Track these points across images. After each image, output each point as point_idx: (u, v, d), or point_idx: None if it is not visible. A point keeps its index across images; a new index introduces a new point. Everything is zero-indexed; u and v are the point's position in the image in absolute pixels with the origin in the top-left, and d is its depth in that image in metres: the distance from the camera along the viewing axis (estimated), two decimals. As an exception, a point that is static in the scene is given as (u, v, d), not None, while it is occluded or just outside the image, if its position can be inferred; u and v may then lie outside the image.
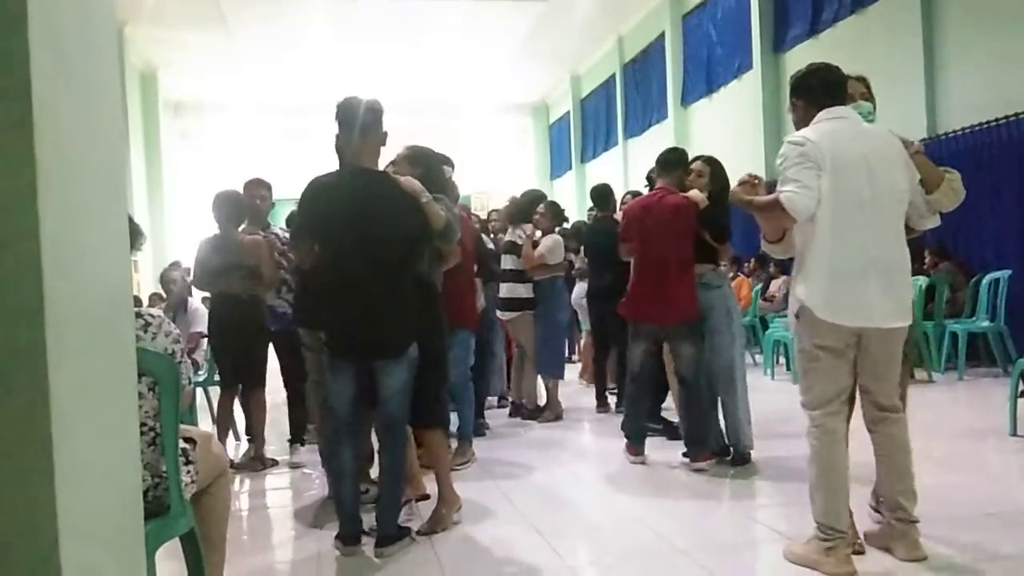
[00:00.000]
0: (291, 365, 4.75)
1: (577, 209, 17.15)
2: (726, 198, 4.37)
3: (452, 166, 4.32)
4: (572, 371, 8.27)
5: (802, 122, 2.86)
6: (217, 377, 5.92)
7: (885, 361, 2.72)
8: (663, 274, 4.25)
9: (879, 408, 2.76)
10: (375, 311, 3.06)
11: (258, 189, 4.92)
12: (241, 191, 4.86)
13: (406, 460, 3.37)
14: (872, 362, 2.71)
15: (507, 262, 5.92)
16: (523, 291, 5.91)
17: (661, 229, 4.27)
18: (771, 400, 6.10)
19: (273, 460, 4.85)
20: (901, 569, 2.68)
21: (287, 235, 4.69)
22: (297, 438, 4.89)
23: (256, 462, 4.75)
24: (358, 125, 3.11)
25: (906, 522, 2.73)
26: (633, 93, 15.33)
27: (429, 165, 3.51)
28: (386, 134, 3.19)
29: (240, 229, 4.77)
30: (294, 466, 4.75)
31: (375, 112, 3.16)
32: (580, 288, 7.01)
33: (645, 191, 5.08)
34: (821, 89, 2.83)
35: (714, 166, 4.39)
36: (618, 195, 6.46)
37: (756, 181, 2.90)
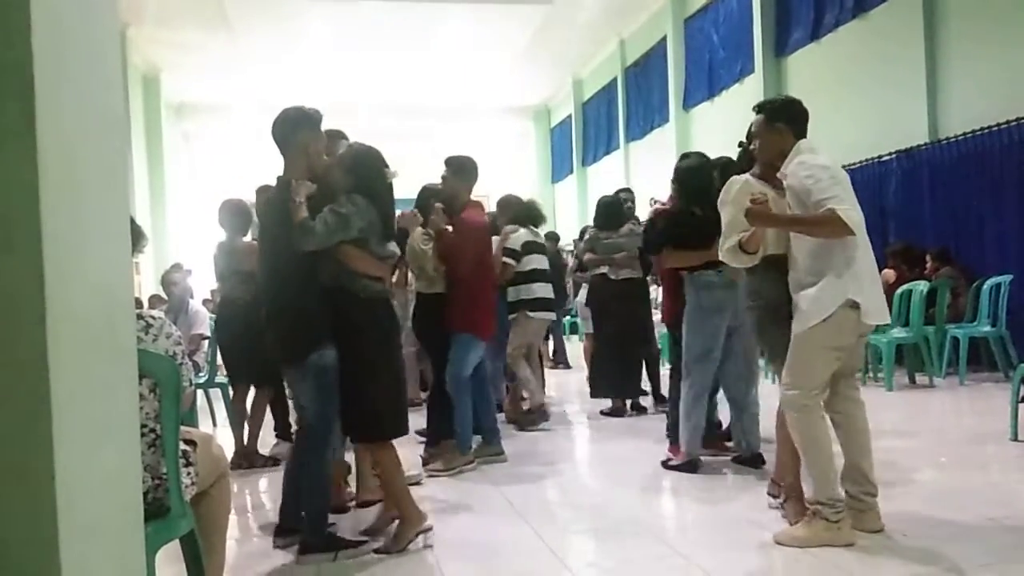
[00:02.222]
0: None
1: (578, 214, 17.16)
2: (690, 212, 4.18)
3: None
4: (578, 375, 8.25)
5: (783, 147, 3.08)
6: (219, 379, 6.01)
7: (861, 352, 3.23)
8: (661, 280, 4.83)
9: (854, 388, 3.15)
10: (268, 320, 3.20)
11: (264, 195, 4.99)
12: (247, 198, 5.03)
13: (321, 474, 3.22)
14: (857, 353, 3.15)
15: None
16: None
17: None
18: (772, 405, 6.03)
19: (272, 459, 4.88)
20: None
21: None
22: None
23: (242, 459, 4.82)
24: (276, 140, 3.18)
25: (872, 496, 3.05)
26: (635, 97, 15.34)
27: (356, 170, 3.27)
28: (310, 140, 3.13)
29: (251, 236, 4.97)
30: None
31: (285, 123, 3.16)
32: (582, 294, 7.19)
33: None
34: (804, 120, 3.15)
35: (682, 175, 4.31)
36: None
37: (765, 199, 3.01)
